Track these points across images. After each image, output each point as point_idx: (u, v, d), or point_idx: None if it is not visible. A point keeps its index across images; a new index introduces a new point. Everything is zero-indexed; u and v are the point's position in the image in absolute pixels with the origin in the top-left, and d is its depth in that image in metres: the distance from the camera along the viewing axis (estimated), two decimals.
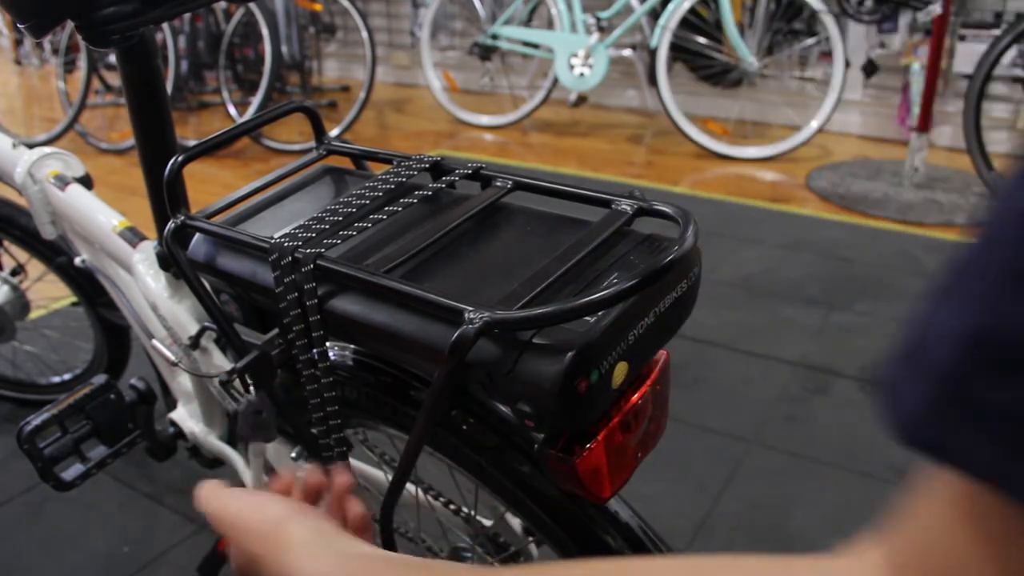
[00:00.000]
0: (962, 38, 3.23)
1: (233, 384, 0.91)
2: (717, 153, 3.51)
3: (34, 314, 1.78)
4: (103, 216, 1.06)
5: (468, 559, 0.99)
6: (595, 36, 3.63)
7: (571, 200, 0.67)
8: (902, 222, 2.81)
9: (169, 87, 3.68)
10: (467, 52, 4.20)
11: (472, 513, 0.94)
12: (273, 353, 0.76)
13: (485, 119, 4.05)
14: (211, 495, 0.52)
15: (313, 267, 0.63)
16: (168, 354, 1.01)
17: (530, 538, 0.98)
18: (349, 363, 0.82)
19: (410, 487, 0.99)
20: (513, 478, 0.72)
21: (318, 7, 4.17)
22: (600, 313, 0.54)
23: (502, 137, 3.91)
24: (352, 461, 0.86)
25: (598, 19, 3.62)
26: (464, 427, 0.73)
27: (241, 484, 1.12)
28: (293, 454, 0.97)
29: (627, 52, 3.96)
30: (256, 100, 3.63)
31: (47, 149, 1.12)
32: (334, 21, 4.54)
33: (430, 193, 0.71)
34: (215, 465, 1.18)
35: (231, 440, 1.13)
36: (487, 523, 0.98)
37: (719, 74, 3.74)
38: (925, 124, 3.05)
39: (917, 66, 3.12)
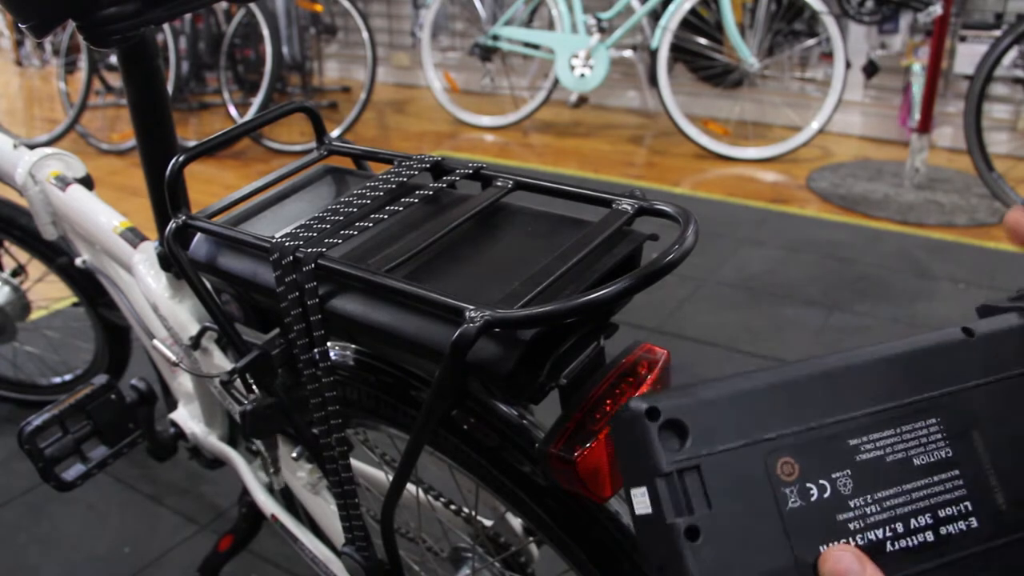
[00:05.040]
0: (963, 39, 3.23)
1: (234, 384, 0.91)
2: (718, 154, 3.51)
3: (35, 315, 1.78)
4: (104, 217, 1.06)
5: (468, 559, 0.99)
6: (596, 37, 3.63)
7: (572, 200, 0.67)
8: (903, 223, 2.81)
9: (170, 88, 3.69)
10: (468, 53, 4.20)
11: (473, 513, 0.94)
12: (274, 353, 0.76)
13: (486, 120, 4.05)
14: None
15: (314, 267, 0.63)
16: (169, 354, 1.01)
17: (531, 538, 0.98)
18: (350, 363, 0.82)
19: (411, 487, 0.99)
20: (513, 478, 0.72)
21: (319, 8, 4.17)
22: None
23: (503, 138, 3.91)
24: (353, 461, 0.86)
25: (599, 20, 3.62)
26: (465, 427, 0.73)
27: (242, 484, 1.12)
28: (294, 454, 0.97)
29: (628, 53, 3.96)
30: (257, 101, 3.63)
31: (48, 150, 1.13)
32: (335, 22, 4.55)
33: (431, 193, 0.71)
34: (216, 465, 1.18)
35: (232, 440, 1.13)
36: (488, 523, 0.98)
37: (720, 75, 3.74)
38: (926, 125, 3.05)
39: (918, 67, 3.12)
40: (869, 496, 0.40)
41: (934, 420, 0.42)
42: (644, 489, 0.38)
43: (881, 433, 0.41)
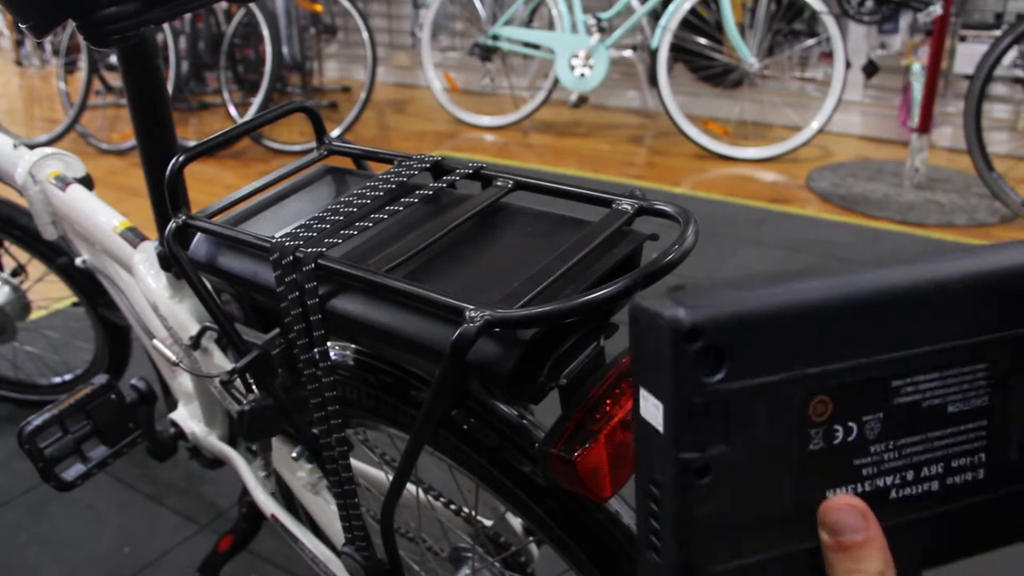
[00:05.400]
0: (962, 39, 3.23)
1: (234, 384, 0.91)
2: (718, 154, 3.51)
3: (35, 315, 1.78)
4: (104, 216, 1.06)
5: (468, 559, 0.99)
6: (596, 37, 3.63)
7: (572, 200, 0.67)
8: (903, 223, 2.81)
9: (170, 88, 3.69)
10: (468, 53, 4.20)
11: (473, 513, 0.94)
12: (274, 353, 0.76)
13: (486, 120, 4.05)
14: None
15: (314, 266, 0.63)
16: (169, 354, 1.01)
17: (531, 538, 0.98)
18: (350, 363, 0.82)
19: (411, 487, 0.99)
20: (513, 478, 0.72)
21: (319, 8, 4.17)
22: None
23: (503, 138, 3.91)
24: (353, 461, 0.86)
25: (599, 20, 3.62)
26: (465, 427, 0.73)
27: (241, 485, 1.12)
28: (294, 454, 0.97)
29: (628, 53, 3.96)
30: (257, 101, 3.63)
31: (48, 150, 1.12)
32: (335, 22, 4.55)
33: (431, 193, 0.71)
34: (215, 466, 1.18)
35: (232, 440, 1.13)
36: (488, 523, 0.98)
37: (720, 75, 3.74)
38: (926, 125, 3.05)
39: (918, 67, 3.12)
40: (892, 442, 0.37)
41: (983, 366, 0.38)
42: (660, 405, 0.34)
43: (927, 376, 0.37)
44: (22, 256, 1.62)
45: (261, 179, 0.78)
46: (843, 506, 0.36)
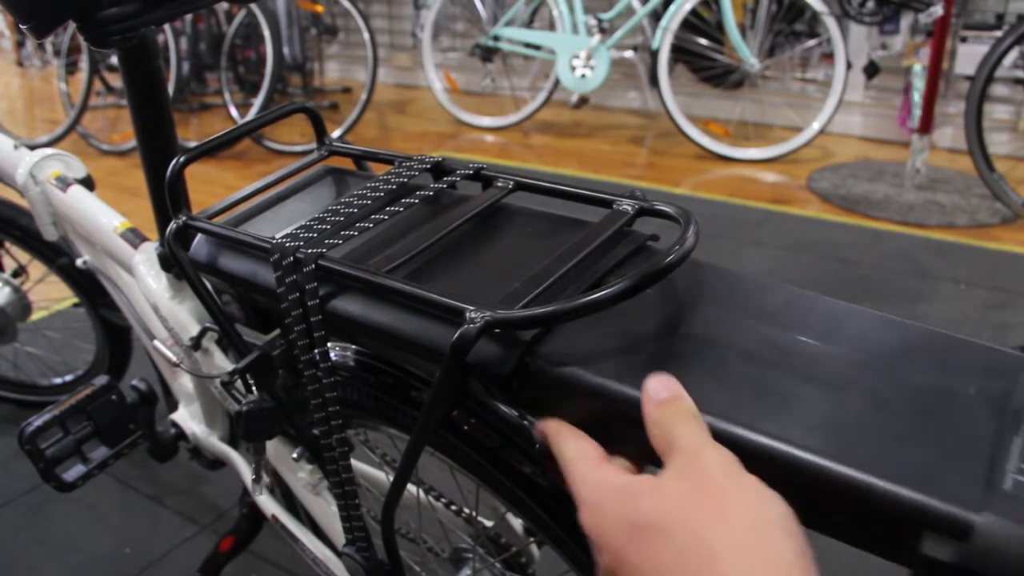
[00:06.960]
0: (963, 40, 3.23)
1: (234, 385, 0.91)
2: (718, 154, 3.51)
3: (36, 315, 1.78)
4: (104, 217, 1.06)
5: (469, 560, 0.99)
6: (596, 37, 3.63)
7: (572, 200, 0.67)
8: (903, 223, 2.81)
9: (171, 88, 3.69)
10: (468, 53, 4.21)
11: (473, 514, 0.94)
12: (274, 354, 0.76)
13: (486, 120, 4.06)
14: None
15: (315, 267, 0.63)
16: (169, 355, 1.01)
17: (531, 538, 0.98)
18: (350, 363, 0.82)
19: (411, 488, 0.99)
20: (514, 478, 0.72)
21: (320, 8, 4.18)
22: None
23: (503, 138, 3.91)
24: (353, 462, 0.86)
25: (599, 20, 3.62)
26: (465, 427, 0.73)
27: (242, 485, 1.12)
28: (294, 455, 0.97)
29: (628, 53, 3.96)
30: (258, 101, 3.63)
31: (49, 150, 1.13)
32: (335, 22, 4.55)
33: (431, 193, 0.71)
34: (216, 466, 1.18)
35: (232, 441, 1.13)
36: (488, 524, 0.98)
37: (720, 75, 3.74)
38: (926, 126, 3.05)
39: (919, 67, 3.12)
40: None
41: None
42: None
43: None
44: (23, 257, 1.62)
45: (262, 180, 0.78)
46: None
